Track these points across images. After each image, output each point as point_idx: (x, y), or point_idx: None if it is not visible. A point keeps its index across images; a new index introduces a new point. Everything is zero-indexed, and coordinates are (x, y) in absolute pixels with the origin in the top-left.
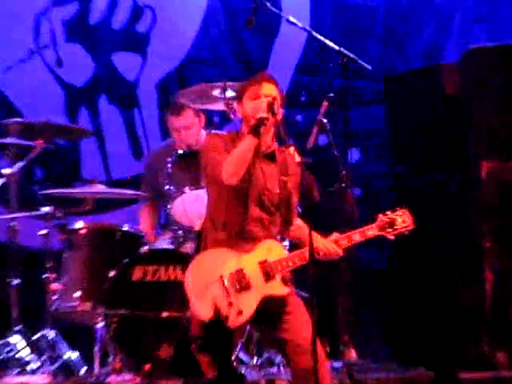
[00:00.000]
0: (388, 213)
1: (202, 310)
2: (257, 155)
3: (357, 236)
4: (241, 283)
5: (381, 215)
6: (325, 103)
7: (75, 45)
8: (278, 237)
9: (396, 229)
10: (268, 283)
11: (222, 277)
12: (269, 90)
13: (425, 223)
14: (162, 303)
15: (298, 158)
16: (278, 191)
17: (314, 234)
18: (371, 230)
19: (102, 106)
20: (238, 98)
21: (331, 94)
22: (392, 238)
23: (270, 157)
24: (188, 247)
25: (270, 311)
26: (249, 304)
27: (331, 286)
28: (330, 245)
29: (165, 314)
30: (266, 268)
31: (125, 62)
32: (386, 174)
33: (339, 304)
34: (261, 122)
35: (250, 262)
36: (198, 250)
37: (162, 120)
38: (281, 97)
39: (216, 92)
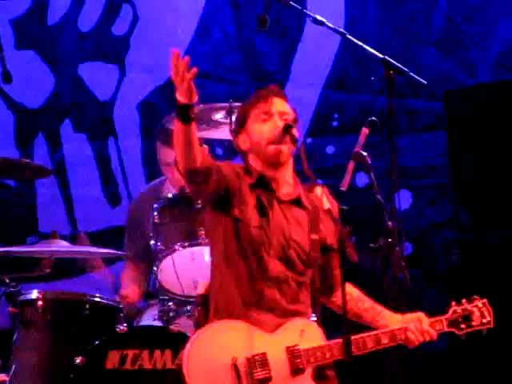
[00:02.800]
0: (463, 302)
1: None
2: (273, 197)
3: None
4: (259, 372)
5: (454, 304)
6: (364, 130)
7: (28, 52)
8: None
9: (472, 326)
10: (294, 378)
11: (234, 360)
12: (282, 106)
13: (499, 294)
14: None
15: (327, 204)
16: (308, 244)
17: (387, 313)
18: (439, 324)
19: (65, 135)
20: (240, 125)
21: (373, 118)
22: (463, 337)
23: (294, 202)
24: (181, 324)
25: None
26: None
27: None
28: (423, 325)
29: None
30: (295, 356)
31: (96, 76)
32: (447, 225)
33: None
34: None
35: (274, 344)
36: (199, 324)
37: (146, 152)
38: (293, 114)
39: (219, 115)
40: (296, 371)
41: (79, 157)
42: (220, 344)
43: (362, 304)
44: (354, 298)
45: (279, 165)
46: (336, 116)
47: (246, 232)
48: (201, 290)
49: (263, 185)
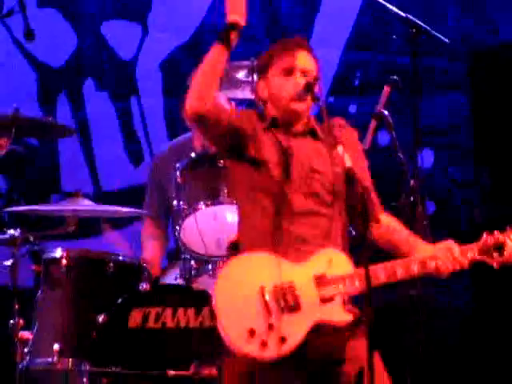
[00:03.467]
0: (496, 233)
1: (239, 338)
2: (288, 132)
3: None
4: (287, 300)
5: (486, 234)
6: (386, 89)
7: (51, 10)
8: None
9: (505, 255)
10: (323, 305)
11: (262, 288)
12: (305, 62)
13: None
14: (168, 358)
15: (348, 162)
16: (332, 174)
17: (421, 244)
18: (470, 252)
19: (87, 94)
20: (262, 72)
21: (395, 77)
22: (496, 266)
23: (310, 133)
24: (204, 282)
25: (326, 353)
26: (296, 329)
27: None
28: (453, 252)
29: (172, 373)
30: (324, 285)
31: (118, 35)
32: (470, 183)
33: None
34: (232, 26)
35: (302, 273)
36: None
37: (168, 111)
38: (317, 66)
39: (241, 74)
40: (325, 299)
41: (102, 116)
42: (247, 274)
43: (399, 235)
44: (391, 229)
45: (297, 120)
46: (358, 75)
47: (265, 171)
48: (232, 238)
49: (277, 125)
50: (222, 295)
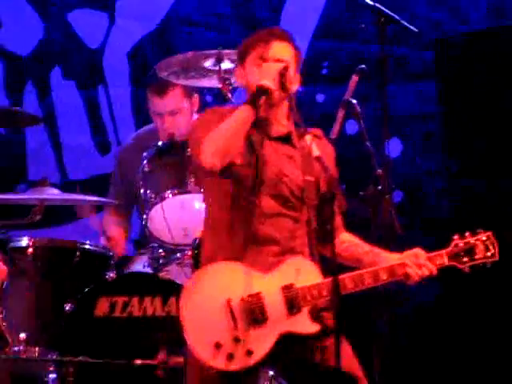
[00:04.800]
0: (466, 235)
1: (205, 351)
2: (263, 133)
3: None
4: (255, 313)
5: (457, 238)
6: (354, 78)
7: None
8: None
9: (475, 259)
10: (291, 317)
11: (229, 301)
12: (281, 51)
13: None
14: (134, 347)
15: (316, 151)
16: (301, 177)
17: (385, 254)
18: (439, 258)
19: (54, 83)
20: (240, 59)
21: (363, 66)
22: (467, 270)
23: (286, 139)
24: (171, 271)
25: (295, 359)
26: (262, 342)
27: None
28: (420, 259)
29: (138, 362)
30: (291, 296)
31: (86, 23)
32: (438, 172)
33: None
34: (261, 91)
35: (270, 284)
36: (196, 266)
37: (135, 100)
38: (297, 61)
39: (208, 63)
40: (292, 310)
41: (68, 104)
42: (214, 286)
43: (362, 248)
44: (354, 243)
45: (270, 106)
46: (326, 64)
47: (236, 172)
48: (196, 235)
49: (254, 123)
50: (189, 307)
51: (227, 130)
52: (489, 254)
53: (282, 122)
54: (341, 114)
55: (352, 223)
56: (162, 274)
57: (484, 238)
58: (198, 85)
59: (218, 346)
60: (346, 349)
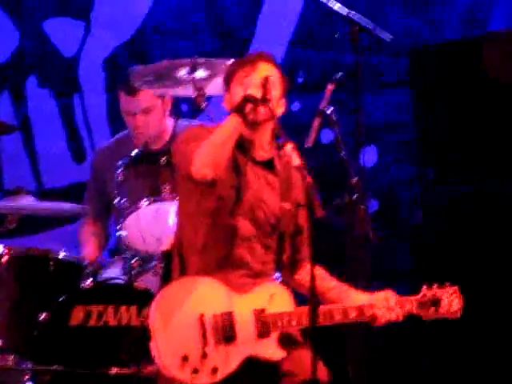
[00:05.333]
0: (434, 287)
1: (172, 362)
2: (247, 156)
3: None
4: (225, 331)
5: (425, 288)
6: (330, 87)
7: None
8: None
9: (439, 311)
10: (259, 340)
11: (202, 316)
12: (267, 72)
13: (466, 250)
14: (110, 356)
15: (296, 161)
16: (278, 209)
17: (353, 292)
18: (408, 304)
19: (30, 91)
20: (226, 84)
21: (339, 75)
22: (428, 321)
23: (268, 164)
24: (146, 280)
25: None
26: (228, 361)
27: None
28: (389, 302)
29: (114, 371)
30: (262, 320)
31: (61, 32)
32: (413, 180)
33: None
34: (247, 99)
35: (243, 305)
36: (165, 279)
37: (111, 108)
38: (283, 86)
39: (182, 72)
40: (261, 334)
41: (44, 113)
42: (187, 300)
43: (328, 283)
44: (319, 277)
45: (256, 125)
46: (301, 73)
47: (217, 192)
48: (165, 247)
49: (239, 146)
50: (160, 317)
51: (217, 140)
52: (451, 310)
53: (264, 147)
54: (316, 122)
55: (327, 232)
56: (137, 284)
57: (450, 292)
58: (174, 94)
59: (185, 358)
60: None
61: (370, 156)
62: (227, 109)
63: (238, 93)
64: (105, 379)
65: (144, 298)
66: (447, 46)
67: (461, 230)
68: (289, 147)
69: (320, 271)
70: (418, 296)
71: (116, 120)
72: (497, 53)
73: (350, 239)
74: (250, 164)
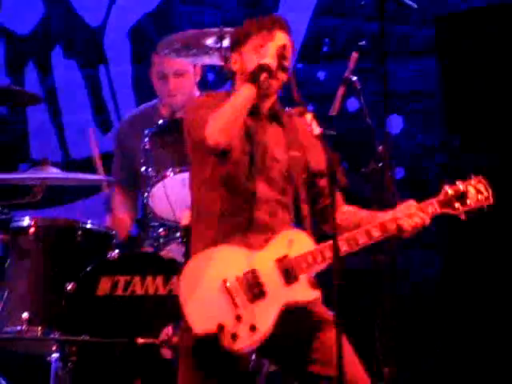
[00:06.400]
0: (457, 183)
1: (200, 323)
2: (256, 115)
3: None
4: (252, 289)
5: (447, 187)
6: (354, 55)
7: None
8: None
9: (468, 204)
10: (289, 286)
11: (225, 281)
12: (283, 41)
13: (493, 218)
14: (137, 326)
15: (317, 129)
16: (287, 160)
17: (379, 213)
18: (431, 207)
19: (55, 62)
20: (237, 44)
21: (363, 43)
22: (463, 217)
23: (273, 117)
24: (173, 250)
25: (296, 332)
26: (265, 316)
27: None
28: (412, 211)
29: (141, 341)
30: (287, 266)
31: (86, 2)
32: (439, 148)
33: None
34: (263, 68)
35: (264, 259)
36: (187, 253)
37: (137, 78)
38: (292, 49)
39: (210, 41)
40: (289, 280)
41: (70, 83)
42: (208, 270)
43: (360, 214)
44: (352, 212)
45: (266, 96)
46: (326, 41)
47: (232, 158)
48: (185, 221)
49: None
50: (187, 295)
51: (231, 107)
52: (481, 197)
53: (270, 103)
54: (341, 91)
55: (353, 200)
56: (163, 253)
57: (474, 182)
58: (200, 62)
59: (220, 328)
60: (347, 348)
61: (395, 124)
62: (234, 67)
63: (251, 60)
64: (132, 349)
65: (170, 267)
66: (474, 13)
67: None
68: (309, 116)
69: (351, 207)
70: (440, 196)
71: (142, 91)
72: None
73: (375, 206)
74: (257, 122)
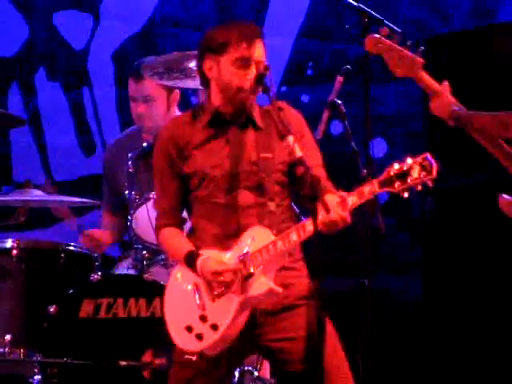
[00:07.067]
0: (406, 160)
1: (180, 337)
2: (229, 128)
3: (353, 199)
4: (215, 289)
5: (394, 164)
6: (339, 79)
7: (2, 1)
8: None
9: (408, 182)
10: (246, 282)
11: (196, 285)
12: (261, 52)
13: (475, 242)
14: (119, 348)
15: (299, 152)
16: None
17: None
18: (368, 187)
19: (39, 84)
20: (214, 51)
21: (348, 67)
22: (405, 195)
23: (250, 122)
24: (155, 272)
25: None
26: (224, 314)
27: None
28: (332, 207)
29: (123, 363)
30: (247, 262)
31: (70, 25)
32: None
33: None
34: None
35: (230, 259)
36: None
37: (120, 101)
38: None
39: (193, 64)
40: (246, 277)
41: (54, 106)
42: (183, 277)
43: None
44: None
45: (242, 111)
46: (311, 64)
47: (207, 178)
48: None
49: (217, 118)
50: (168, 304)
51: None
52: (424, 174)
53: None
54: (326, 114)
55: None
56: (146, 276)
57: (419, 160)
58: (182, 85)
59: (189, 329)
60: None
61: (379, 147)
62: (208, 76)
63: (229, 72)
64: (114, 371)
65: (152, 290)
66: (459, 35)
67: (472, 223)
68: (290, 139)
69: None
70: (381, 176)
71: (126, 113)
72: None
73: (361, 229)
74: (232, 130)
